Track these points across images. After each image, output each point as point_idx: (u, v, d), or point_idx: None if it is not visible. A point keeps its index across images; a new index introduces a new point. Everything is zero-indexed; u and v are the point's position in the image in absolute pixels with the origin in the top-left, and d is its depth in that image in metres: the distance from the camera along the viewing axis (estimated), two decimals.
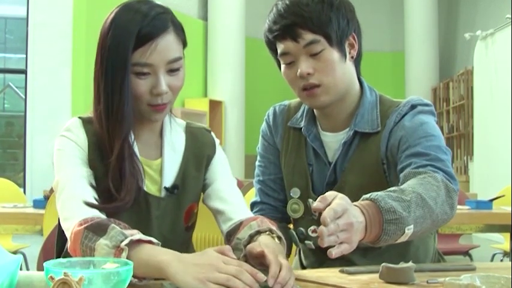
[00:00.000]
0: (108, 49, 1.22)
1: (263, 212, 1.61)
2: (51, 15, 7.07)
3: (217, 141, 1.47)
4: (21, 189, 4.50)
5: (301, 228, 1.54)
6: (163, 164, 1.35)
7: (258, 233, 1.26)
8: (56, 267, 0.94)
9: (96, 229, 1.11)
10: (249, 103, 9.01)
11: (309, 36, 1.38)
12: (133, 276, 1.03)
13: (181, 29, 1.29)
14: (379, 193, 1.15)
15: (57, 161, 1.28)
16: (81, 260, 1.02)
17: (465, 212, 3.23)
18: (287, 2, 1.40)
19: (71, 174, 1.25)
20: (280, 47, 1.43)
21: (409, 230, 1.15)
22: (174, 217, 1.35)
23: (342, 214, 1.05)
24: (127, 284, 0.95)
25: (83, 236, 1.11)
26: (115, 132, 1.25)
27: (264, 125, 1.65)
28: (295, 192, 1.54)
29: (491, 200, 3.41)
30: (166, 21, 1.24)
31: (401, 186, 1.22)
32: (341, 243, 1.05)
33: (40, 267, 1.37)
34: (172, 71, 1.25)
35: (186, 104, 8.62)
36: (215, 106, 8.66)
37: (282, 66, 1.46)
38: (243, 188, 4.34)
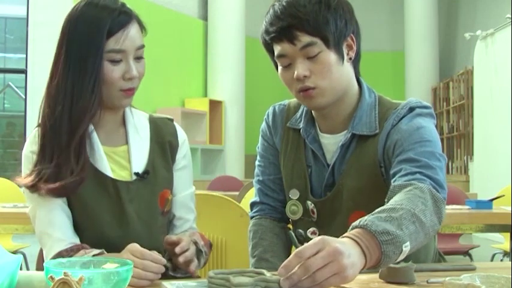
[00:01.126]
0: (80, 39, 1.30)
1: (262, 212, 1.61)
2: (51, 15, 7.06)
3: (182, 135, 1.52)
4: (21, 189, 4.49)
5: (300, 230, 1.54)
6: (130, 149, 1.41)
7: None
8: (56, 267, 0.94)
9: None
10: (249, 103, 9.00)
11: (305, 39, 1.36)
12: None
13: (141, 23, 1.39)
14: (367, 218, 1.12)
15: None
16: (81, 259, 1.03)
17: (465, 212, 3.23)
18: (284, 3, 1.38)
19: (33, 208, 1.35)
20: (277, 49, 1.41)
21: (406, 248, 1.12)
22: (149, 201, 1.41)
23: (320, 247, 1.01)
24: (127, 284, 0.95)
25: None
26: (80, 114, 1.31)
27: (263, 125, 1.64)
28: (294, 194, 1.53)
29: (491, 200, 3.40)
30: (130, 11, 1.36)
31: (390, 205, 1.19)
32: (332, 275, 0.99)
33: (40, 267, 1.37)
34: (138, 59, 1.35)
35: (186, 104, 8.62)
36: (215, 106, 8.66)
37: (279, 68, 1.45)
38: (243, 188, 4.32)
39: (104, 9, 1.31)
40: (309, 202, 1.51)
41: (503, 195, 3.70)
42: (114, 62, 1.31)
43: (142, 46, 1.36)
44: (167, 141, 1.47)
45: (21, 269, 1.04)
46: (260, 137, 1.65)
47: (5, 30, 13.38)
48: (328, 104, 1.43)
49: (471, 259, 3.86)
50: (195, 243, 1.35)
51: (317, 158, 1.51)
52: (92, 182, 1.34)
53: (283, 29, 1.37)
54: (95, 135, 1.37)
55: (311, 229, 1.52)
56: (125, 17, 1.32)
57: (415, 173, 1.29)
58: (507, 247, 3.88)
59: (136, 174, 1.39)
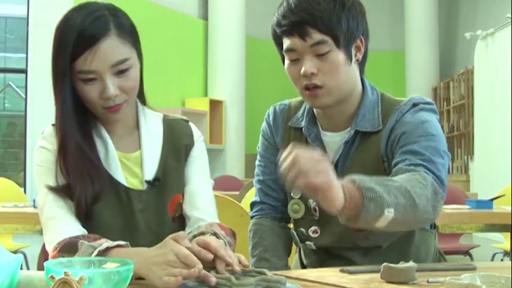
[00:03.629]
0: (52, 58, 1.24)
1: (263, 211, 1.62)
2: (52, 14, 7.02)
3: (197, 132, 1.45)
4: (22, 189, 4.49)
5: (302, 229, 1.54)
6: (142, 157, 1.35)
7: (202, 234, 1.25)
8: (57, 266, 0.94)
9: (68, 249, 1.18)
10: (249, 102, 8.99)
11: (317, 36, 1.36)
12: None
13: (127, 29, 1.27)
14: (361, 176, 1.15)
15: (37, 178, 1.32)
16: (81, 259, 1.03)
17: (465, 212, 3.23)
18: None
19: (46, 194, 1.28)
20: (287, 43, 1.41)
21: (390, 213, 1.14)
22: (159, 209, 1.35)
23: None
24: (127, 284, 0.95)
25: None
26: (60, 137, 1.27)
27: (264, 125, 1.64)
28: (295, 193, 1.54)
29: (492, 200, 3.40)
30: (105, 24, 1.23)
31: (387, 178, 1.22)
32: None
33: (40, 267, 1.37)
34: (120, 73, 1.24)
35: (186, 103, 8.61)
36: (215, 106, 8.65)
37: (286, 62, 1.44)
38: (243, 187, 4.32)
39: (72, 24, 1.22)
40: (311, 200, 1.51)
41: (504, 195, 3.70)
42: (87, 81, 1.23)
43: (124, 60, 1.24)
44: (184, 144, 1.40)
45: (21, 268, 1.04)
46: (260, 136, 1.65)
47: (5, 30, 13.38)
48: (333, 103, 1.43)
49: (471, 259, 3.86)
50: (214, 234, 1.26)
51: None
52: (105, 189, 1.29)
53: (295, 24, 1.37)
54: (109, 141, 1.33)
55: (312, 228, 1.53)
56: (95, 32, 1.21)
57: (419, 165, 1.31)
58: (507, 247, 3.88)
59: (147, 182, 1.34)
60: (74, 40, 1.20)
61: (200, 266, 1.04)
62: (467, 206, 3.40)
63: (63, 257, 1.16)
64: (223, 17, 8.66)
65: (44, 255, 1.64)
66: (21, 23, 8.56)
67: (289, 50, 1.40)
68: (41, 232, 2.81)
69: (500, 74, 6.90)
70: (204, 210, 1.39)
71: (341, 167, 1.47)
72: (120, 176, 1.32)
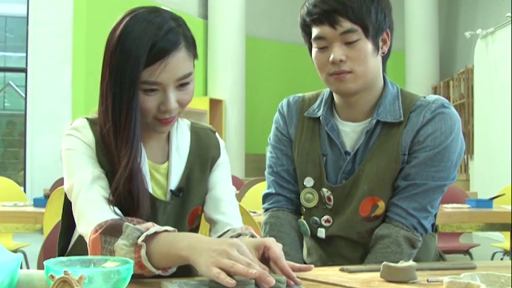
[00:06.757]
0: (117, 66, 1.19)
1: (279, 203, 1.62)
2: (51, 13, 7.06)
3: (222, 143, 1.46)
4: (22, 188, 4.50)
5: (315, 218, 1.56)
6: (170, 168, 1.34)
7: (239, 235, 1.25)
8: (56, 265, 0.94)
9: (111, 231, 1.12)
10: (249, 102, 9.00)
11: (347, 25, 1.41)
12: (157, 268, 1.09)
13: (192, 42, 1.25)
14: None
15: (67, 163, 1.25)
16: (81, 258, 1.03)
17: (465, 211, 3.23)
18: None
19: (84, 177, 1.22)
20: (316, 31, 1.45)
21: None
22: (179, 220, 1.34)
23: None
24: (127, 283, 0.95)
25: (101, 241, 1.12)
26: (122, 151, 1.21)
27: (277, 116, 1.66)
28: (308, 182, 1.56)
29: (492, 199, 3.41)
30: (177, 36, 1.20)
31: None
32: None
33: (40, 266, 1.37)
34: (182, 86, 1.22)
35: None
36: (215, 105, 8.66)
37: (314, 50, 1.49)
38: (243, 186, 4.32)
39: (144, 34, 1.17)
40: (324, 189, 1.53)
41: (504, 194, 3.70)
42: (150, 91, 1.20)
43: (188, 74, 1.22)
44: (211, 156, 1.40)
45: (21, 267, 1.04)
46: (273, 127, 1.67)
47: (5, 29, 13.38)
48: (357, 91, 1.47)
49: (471, 258, 3.86)
50: (252, 236, 1.25)
51: (334, 146, 1.53)
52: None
53: (326, 12, 1.42)
54: (143, 150, 1.28)
55: (325, 217, 1.55)
56: (167, 45, 1.18)
57: (407, 215, 1.45)
58: (507, 246, 3.89)
59: (172, 192, 1.32)
60: (148, 51, 1.16)
61: (256, 272, 0.98)
62: (467, 205, 3.40)
63: (104, 239, 1.12)
64: (223, 16, 8.66)
65: (44, 254, 1.64)
66: (21, 22, 8.57)
67: (319, 37, 1.45)
68: (41, 231, 2.82)
69: (500, 73, 6.90)
70: (230, 215, 1.37)
71: (360, 156, 1.50)
72: (149, 185, 1.30)
